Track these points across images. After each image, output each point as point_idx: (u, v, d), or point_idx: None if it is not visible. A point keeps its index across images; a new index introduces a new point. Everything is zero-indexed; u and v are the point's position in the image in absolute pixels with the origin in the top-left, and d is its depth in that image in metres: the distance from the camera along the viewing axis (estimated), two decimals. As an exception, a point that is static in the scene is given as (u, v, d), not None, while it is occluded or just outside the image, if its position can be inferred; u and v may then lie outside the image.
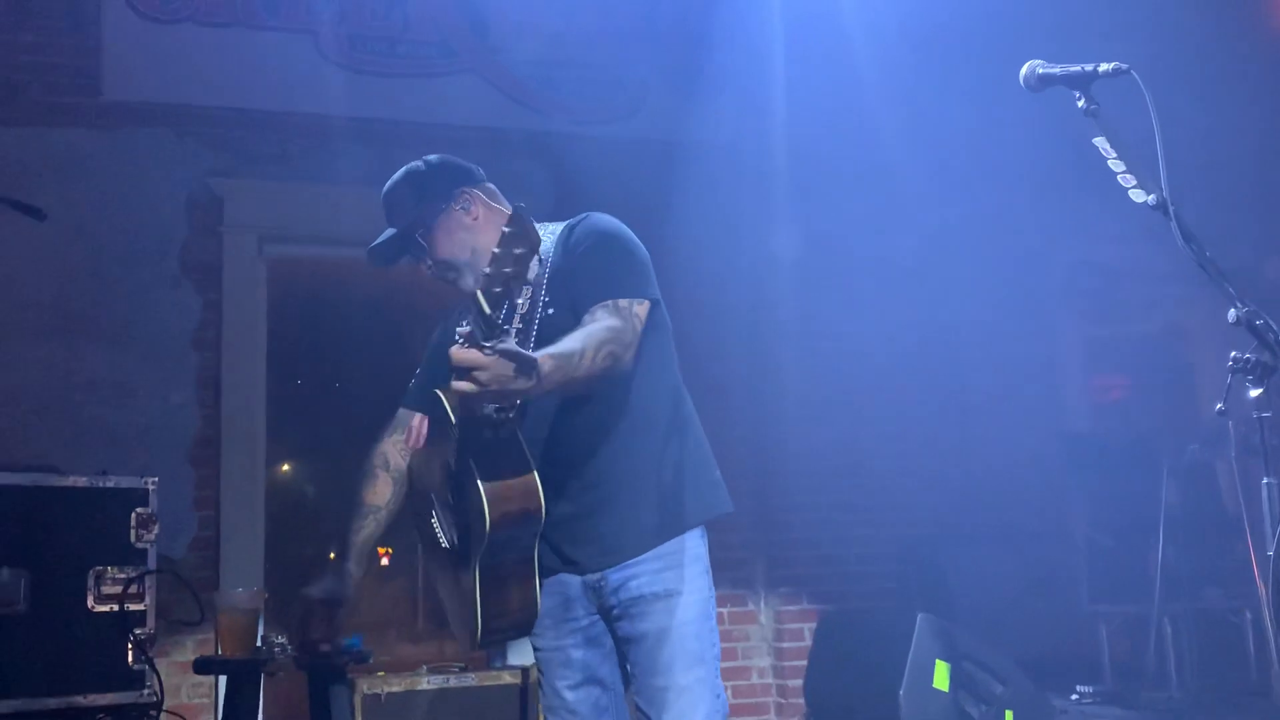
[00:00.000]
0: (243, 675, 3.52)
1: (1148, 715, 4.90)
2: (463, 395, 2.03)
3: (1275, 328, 2.12)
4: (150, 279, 5.04)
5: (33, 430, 4.72)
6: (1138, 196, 2.14)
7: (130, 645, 3.56)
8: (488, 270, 1.98)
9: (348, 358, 6.74)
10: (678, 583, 2.44)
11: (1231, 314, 2.12)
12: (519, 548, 2.32)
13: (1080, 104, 2.18)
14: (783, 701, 5.51)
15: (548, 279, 2.48)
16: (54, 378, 4.84)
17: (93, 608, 3.54)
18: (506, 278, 1.98)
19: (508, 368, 1.99)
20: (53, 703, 3.44)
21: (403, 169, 2.61)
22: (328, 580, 2.65)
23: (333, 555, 2.67)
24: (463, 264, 2.53)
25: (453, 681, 4.55)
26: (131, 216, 5.04)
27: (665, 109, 5.71)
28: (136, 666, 3.57)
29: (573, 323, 2.35)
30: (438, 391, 2.39)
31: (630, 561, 2.45)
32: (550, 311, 2.45)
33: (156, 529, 3.67)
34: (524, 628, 2.42)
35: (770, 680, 5.60)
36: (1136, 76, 2.13)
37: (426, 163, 2.61)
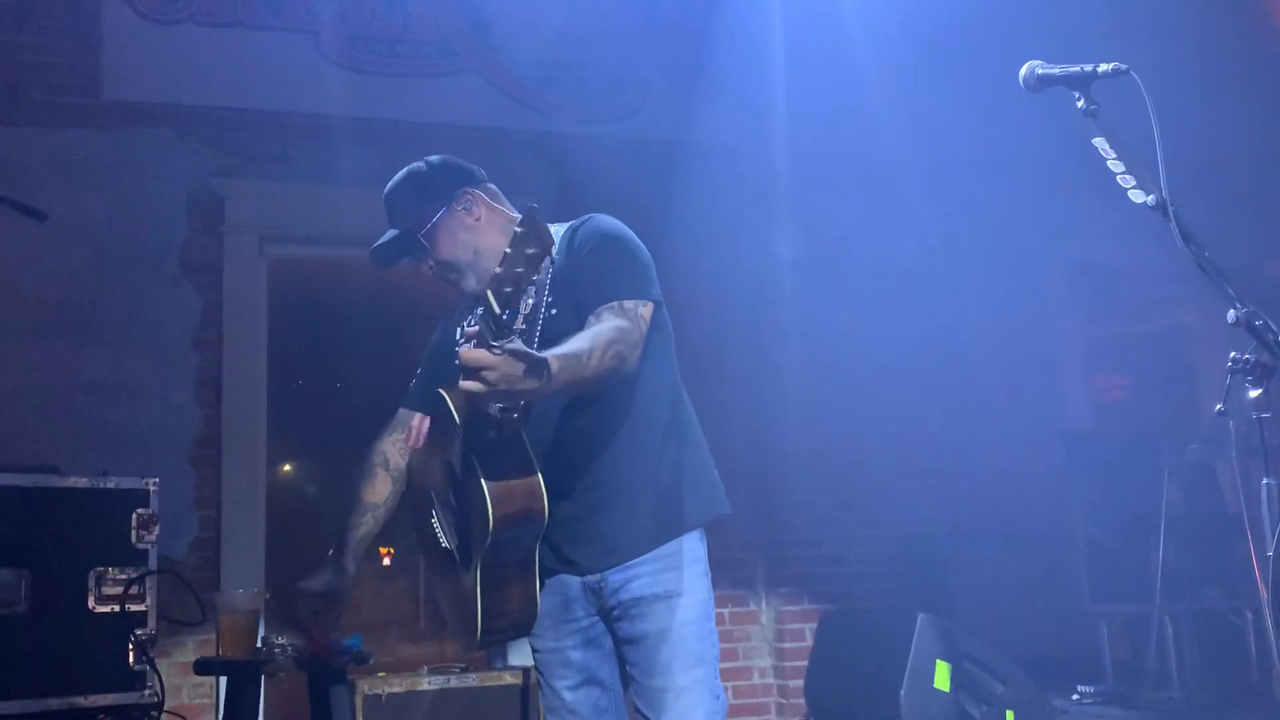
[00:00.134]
0: (243, 676, 3.52)
1: (1148, 715, 4.90)
2: (470, 395, 2.03)
3: (1275, 328, 2.12)
4: (151, 279, 5.04)
5: (33, 430, 4.71)
6: (1137, 197, 2.14)
7: (131, 646, 3.55)
8: (498, 270, 1.97)
9: (348, 358, 6.73)
10: (678, 584, 2.44)
11: (1231, 314, 2.12)
12: (521, 548, 2.32)
13: (1080, 104, 2.18)
14: (783, 702, 5.51)
15: (551, 280, 2.48)
16: (54, 378, 4.84)
17: (93, 608, 3.53)
18: (517, 278, 1.97)
19: (517, 368, 1.99)
20: (53, 703, 3.43)
21: (404, 169, 2.61)
22: (326, 574, 2.64)
23: (330, 551, 2.65)
24: (465, 264, 2.54)
25: (453, 682, 4.55)
26: (132, 216, 5.04)
27: (666, 109, 5.72)
28: (137, 667, 3.57)
29: (575, 324, 2.35)
30: (441, 391, 2.38)
31: (630, 563, 2.45)
32: (553, 312, 2.45)
33: (157, 529, 3.67)
34: (523, 628, 2.42)
35: (771, 680, 5.59)
36: (1136, 77, 2.14)
37: (428, 163, 2.61)
